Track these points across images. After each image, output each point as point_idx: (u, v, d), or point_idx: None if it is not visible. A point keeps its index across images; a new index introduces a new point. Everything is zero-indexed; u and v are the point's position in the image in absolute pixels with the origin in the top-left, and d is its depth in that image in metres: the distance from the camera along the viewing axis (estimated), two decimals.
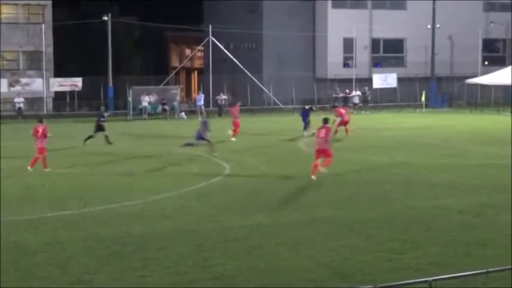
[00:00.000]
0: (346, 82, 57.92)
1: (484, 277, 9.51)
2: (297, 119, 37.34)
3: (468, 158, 28.61)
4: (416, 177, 23.95)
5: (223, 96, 54.34)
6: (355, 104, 55.54)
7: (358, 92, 56.66)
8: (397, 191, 21.36)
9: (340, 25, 60.11)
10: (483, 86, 56.28)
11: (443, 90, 58.11)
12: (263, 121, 47.43)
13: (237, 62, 56.92)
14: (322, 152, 23.21)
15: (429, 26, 58.57)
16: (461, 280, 9.26)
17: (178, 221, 17.19)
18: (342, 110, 36.59)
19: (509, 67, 57.03)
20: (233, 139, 34.93)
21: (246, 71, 56.66)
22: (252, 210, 18.48)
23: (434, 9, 57.86)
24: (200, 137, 29.78)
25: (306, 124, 36.65)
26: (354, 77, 58.34)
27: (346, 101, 55.94)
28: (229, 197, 20.55)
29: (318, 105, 47.47)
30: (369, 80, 59.44)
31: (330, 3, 60.89)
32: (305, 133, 36.14)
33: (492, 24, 64.14)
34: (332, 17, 60.81)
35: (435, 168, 25.68)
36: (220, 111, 52.73)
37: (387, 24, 60.28)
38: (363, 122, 40.12)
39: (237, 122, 36.28)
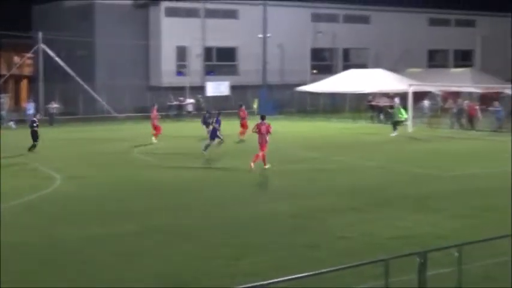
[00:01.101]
0: (180, 90, 57.99)
1: (317, 278, 9.84)
2: (129, 127, 37.21)
3: (300, 163, 29.47)
4: (250, 183, 24.37)
5: (55, 105, 52.81)
6: (189, 112, 56.07)
7: (192, 100, 57.29)
8: (231, 198, 21.63)
9: (173, 33, 60.22)
10: (312, 94, 58.34)
11: (274, 97, 59.48)
12: (95, 130, 46.41)
13: (69, 70, 55.52)
14: (261, 145, 26.66)
15: (260, 35, 59.91)
16: (295, 282, 9.50)
17: (7, 236, 16.41)
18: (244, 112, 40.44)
19: (336, 75, 59.59)
20: (155, 141, 36.56)
21: (78, 79, 55.38)
22: (85, 221, 18.07)
23: (264, 18, 59.26)
24: (214, 136, 31.65)
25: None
26: (187, 85, 58.56)
27: (180, 109, 56.56)
28: (61, 208, 20.00)
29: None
30: (203, 88, 59.99)
31: (163, 11, 60.80)
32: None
33: (320, 34, 66.61)
34: (165, 25, 60.76)
35: (262, 174, 26.26)
36: (51, 120, 51.17)
37: (220, 32, 61.11)
38: (196, 130, 40.16)
39: (156, 125, 37.68)
